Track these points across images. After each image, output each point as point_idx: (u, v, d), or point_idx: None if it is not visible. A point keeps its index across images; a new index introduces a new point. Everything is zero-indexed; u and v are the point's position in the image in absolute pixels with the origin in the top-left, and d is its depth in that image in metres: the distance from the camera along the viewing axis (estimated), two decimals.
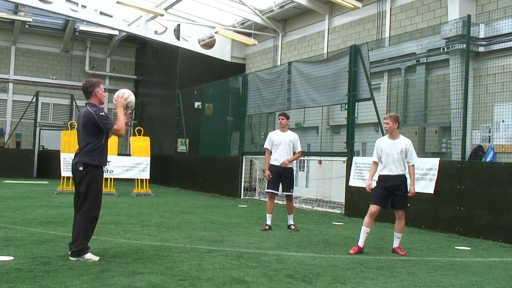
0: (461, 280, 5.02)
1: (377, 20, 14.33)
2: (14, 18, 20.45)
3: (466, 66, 9.03)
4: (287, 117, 8.52)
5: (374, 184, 6.48)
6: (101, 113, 5.37)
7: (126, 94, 5.66)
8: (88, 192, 5.30)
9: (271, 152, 8.48)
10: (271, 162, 8.40)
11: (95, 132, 5.37)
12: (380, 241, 7.34)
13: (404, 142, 6.41)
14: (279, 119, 8.52)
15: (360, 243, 6.32)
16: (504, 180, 7.76)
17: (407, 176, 6.46)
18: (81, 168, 5.31)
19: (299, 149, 8.43)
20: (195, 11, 19.34)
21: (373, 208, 6.33)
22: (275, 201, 8.74)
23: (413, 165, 6.49)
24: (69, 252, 5.27)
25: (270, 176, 8.30)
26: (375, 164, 6.56)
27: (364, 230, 6.32)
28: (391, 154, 6.36)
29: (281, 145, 8.32)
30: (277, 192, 8.43)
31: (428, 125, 11.85)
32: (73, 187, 5.61)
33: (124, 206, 10.93)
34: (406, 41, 12.68)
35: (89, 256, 5.20)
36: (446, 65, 11.39)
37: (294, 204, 8.85)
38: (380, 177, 6.46)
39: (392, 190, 6.34)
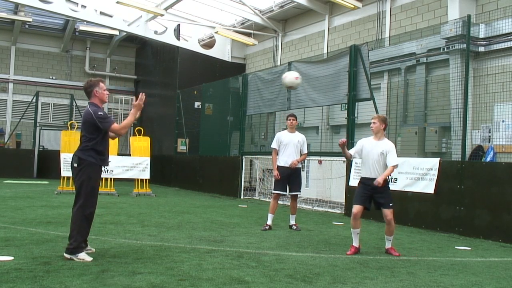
0: (461, 280, 5.02)
1: (377, 20, 14.33)
2: (14, 18, 20.46)
3: (466, 66, 9.03)
4: (296, 118, 8.50)
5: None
6: (99, 113, 5.38)
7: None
8: (82, 188, 5.33)
9: (277, 152, 8.42)
10: (278, 164, 8.30)
11: (92, 131, 5.40)
12: (380, 241, 7.33)
13: (386, 145, 6.34)
14: (290, 120, 8.37)
15: (355, 243, 6.32)
16: (504, 180, 7.76)
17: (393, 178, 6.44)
18: (75, 165, 5.36)
19: (305, 150, 8.43)
20: (195, 11, 19.35)
21: (354, 208, 6.32)
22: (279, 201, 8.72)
23: (393, 166, 6.27)
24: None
25: (279, 176, 8.23)
26: (350, 155, 6.64)
27: (353, 232, 6.33)
28: (372, 155, 6.32)
29: (289, 146, 8.26)
30: (285, 193, 8.42)
31: (428, 125, 11.85)
32: (73, 187, 5.62)
33: (124, 206, 10.93)
34: (406, 41, 12.68)
35: (82, 256, 5.19)
36: (446, 65, 11.39)
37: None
38: (361, 179, 6.47)
39: (373, 192, 6.31)
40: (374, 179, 6.22)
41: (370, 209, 6.46)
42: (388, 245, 6.43)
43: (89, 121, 5.38)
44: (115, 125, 5.43)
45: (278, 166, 8.29)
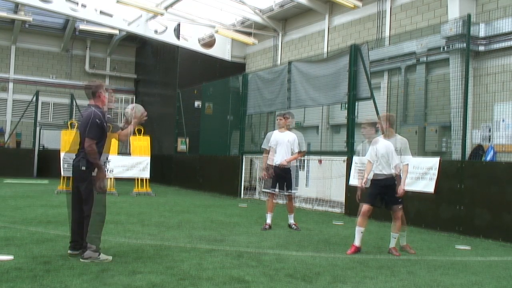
0: (461, 280, 5.02)
1: (377, 19, 14.32)
2: (14, 18, 20.45)
3: (466, 66, 9.02)
4: (286, 118, 8.44)
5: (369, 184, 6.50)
6: (108, 116, 5.53)
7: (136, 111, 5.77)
8: (94, 191, 5.32)
9: (269, 152, 8.45)
10: (269, 163, 8.36)
11: (100, 135, 5.36)
12: (380, 240, 7.34)
13: (400, 142, 6.43)
14: (278, 119, 8.49)
15: (357, 242, 6.33)
16: (504, 179, 7.76)
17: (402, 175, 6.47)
18: (83, 168, 5.29)
19: (296, 149, 8.34)
20: (195, 11, 19.32)
21: (365, 207, 6.36)
22: (276, 200, 8.73)
23: (407, 164, 6.45)
24: (80, 251, 5.26)
25: (267, 176, 8.31)
26: (370, 163, 6.54)
27: (358, 230, 6.34)
28: (383, 153, 6.35)
29: (280, 145, 8.29)
30: (274, 191, 8.42)
31: (428, 124, 11.85)
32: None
33: (124, 205, 10.93)
34: (406, 40, 12.68)
35: (103, 256, 5.20)
36: (446, 65, 11.39)
37: (294, 204, 8.83)
38: (373, 175, 6.48)
39: (384, 190, 6.34)
40: (386, 175, 6.30)
41: (380, 207, 6.49)
42: (392, 244, 6.43)
43: (99, 124, 5.29)
44: (120, 131, 5.69)
45: (269, 165, 8.34)
